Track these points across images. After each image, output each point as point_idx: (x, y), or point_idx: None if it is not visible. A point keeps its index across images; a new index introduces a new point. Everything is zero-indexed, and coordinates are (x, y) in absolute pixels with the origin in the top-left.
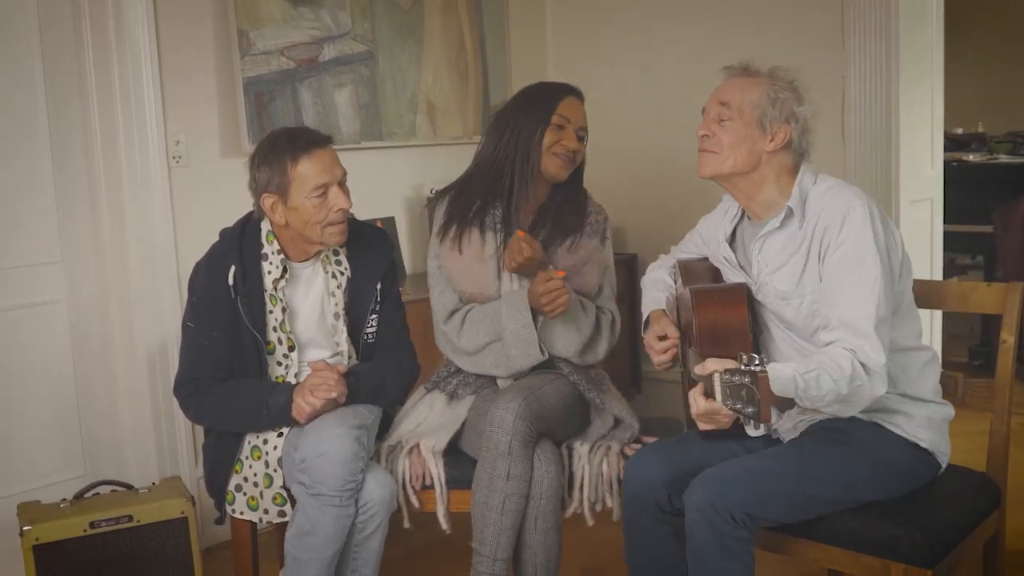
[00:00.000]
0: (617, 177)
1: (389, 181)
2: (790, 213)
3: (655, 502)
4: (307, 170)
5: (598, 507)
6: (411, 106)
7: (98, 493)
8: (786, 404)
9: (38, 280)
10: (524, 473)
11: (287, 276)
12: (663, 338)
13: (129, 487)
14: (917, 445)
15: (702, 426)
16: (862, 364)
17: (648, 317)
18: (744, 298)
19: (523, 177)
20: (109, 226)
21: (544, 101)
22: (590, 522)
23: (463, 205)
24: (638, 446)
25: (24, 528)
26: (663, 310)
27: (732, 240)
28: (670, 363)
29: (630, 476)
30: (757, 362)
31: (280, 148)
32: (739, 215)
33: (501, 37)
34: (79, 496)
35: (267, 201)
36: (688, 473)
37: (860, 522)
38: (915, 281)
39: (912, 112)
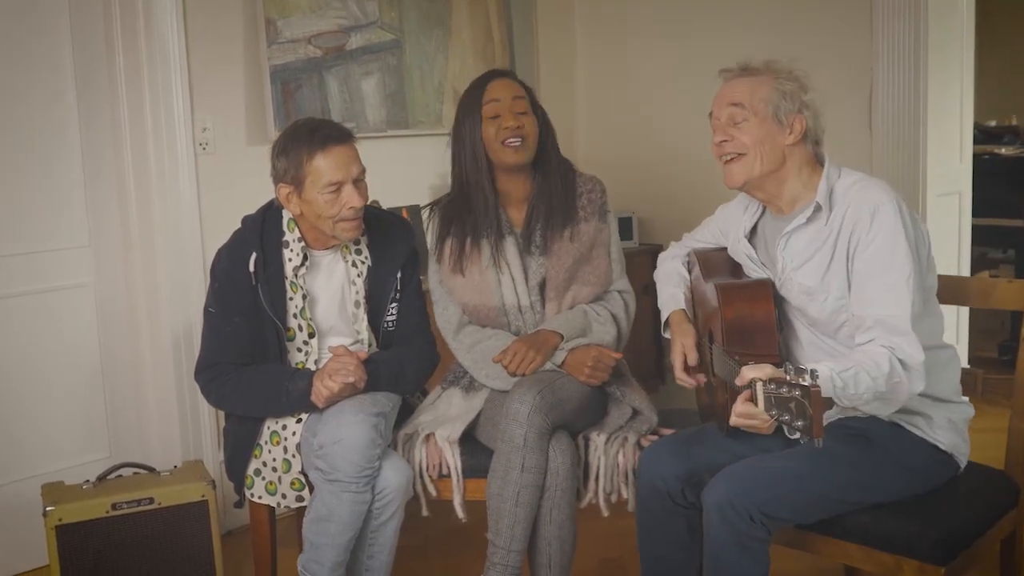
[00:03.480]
0: (645, 170)
1: (415, 169)
2: (818, 208)
3: (669, 495)
4: (322, 166)
5: (613, 498)
6: (438, 95)
7: (120, 475)
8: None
9: (66, 264)
10: (539, 465)
11: (307, 264)
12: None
13: (151, 470)
14: (937, 447)
15: (734, 421)
16: (900, 361)
17: (668, 318)
18: (770, 294)
19: (480, 180)
20: (136, 211)
21: (472, 97)
22: (605, 513)
23: (452, 225)
24: (655, 437)
25: (47, 508)
26: (684, 312)
27: (752, 236)
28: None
29: (645, 468)
30: (807, 375)
31: (299, 141)
32: (760, 210)
33: (529, 25)
34: (102, 478)
35: (283, 191)
36: (704, 468)
37: (874, 519)
38: (938, 276)
39: (941, 104)
